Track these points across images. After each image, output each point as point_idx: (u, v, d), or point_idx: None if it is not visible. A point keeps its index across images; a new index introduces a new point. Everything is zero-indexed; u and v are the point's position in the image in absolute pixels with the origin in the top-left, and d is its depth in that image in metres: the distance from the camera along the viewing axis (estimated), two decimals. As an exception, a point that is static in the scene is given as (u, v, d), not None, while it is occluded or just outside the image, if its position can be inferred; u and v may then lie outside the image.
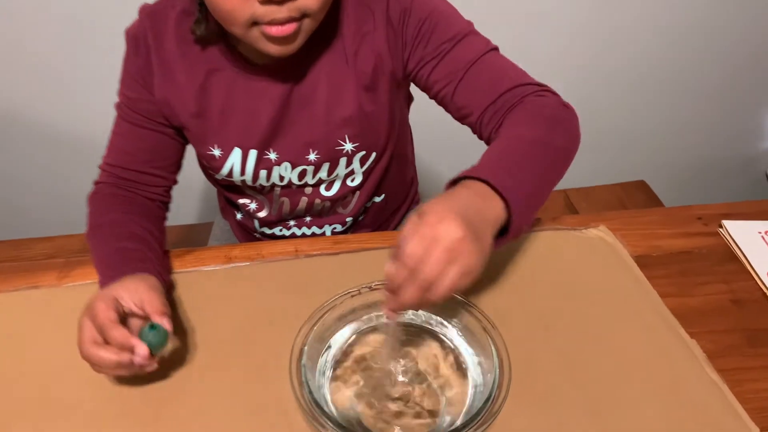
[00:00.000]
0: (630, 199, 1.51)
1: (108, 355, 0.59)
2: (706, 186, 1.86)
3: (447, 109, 0.80)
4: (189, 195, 1.61)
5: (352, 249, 0.83)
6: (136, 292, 0.64)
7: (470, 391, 0.61)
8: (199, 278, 0.78)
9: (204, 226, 1.43)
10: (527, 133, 0.68)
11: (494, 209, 0.58)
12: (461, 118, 0.79)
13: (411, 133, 1.01)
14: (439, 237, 0.50)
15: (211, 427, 0.61)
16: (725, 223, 0.85)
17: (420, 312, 0.68)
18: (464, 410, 0.59)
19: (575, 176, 1.61)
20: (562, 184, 1.57)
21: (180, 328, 0.71)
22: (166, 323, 0.61)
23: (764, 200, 0.91)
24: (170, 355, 0.68)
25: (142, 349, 0.58)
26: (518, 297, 0.75)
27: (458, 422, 0.56)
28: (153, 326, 0.60)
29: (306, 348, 0.60)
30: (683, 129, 1.76)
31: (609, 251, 0.82)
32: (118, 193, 0.82)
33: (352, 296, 0.66)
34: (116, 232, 0.75)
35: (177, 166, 0.88)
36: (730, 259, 0.81)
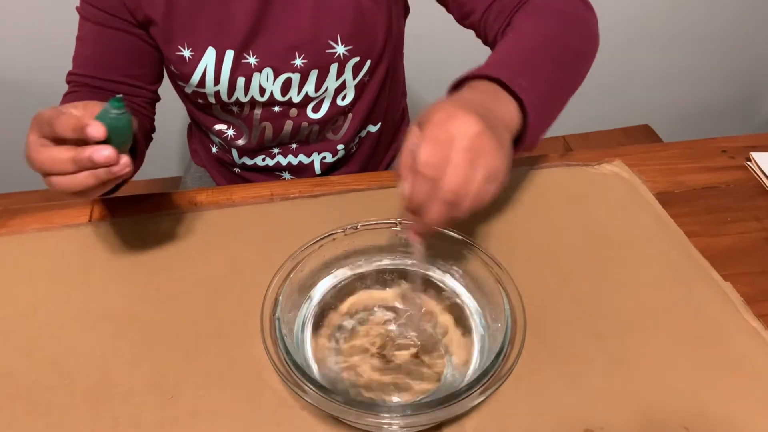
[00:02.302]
0: (633, 144, 1.41)
1: (60, 152, 0.47)
2: (712, 129, 1.77)
3: (448, 9, 0.70)
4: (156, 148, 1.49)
5: (335, 191, 0.73)
6: (87, 107, 0.49)
7: (476, 346, 0.52)
8: (159, 225, 0.68)
9: (174, 180, 1.32)
10: (540, 29, 0.58)
11: (508, 111, 0.49)
12: (463, 18, 0.70)
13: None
14: (454, 136, 0.41)
15: (174, 392, 0.51)
16: (754, 155, 0.76)
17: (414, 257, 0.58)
18: (471, 369, 0.50)
19: (575, 121, 1.51)
20: (560, 129, 1.47)
21: (134, 281, 0.61)
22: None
23: (796, 130, 0.82)
24: (125, 311, 0.58)
25: (96, 129, 0.44)
26: (526, 241, 0.65)
27: (465, 383, 0.47)
28: (117, 101, 0.46)
29: (281, 298, 0.50)
30: (687, 70, 1.67)
31: (626, 188, 0.73)
32: (93, 96, 0.71)
33: (335, 239, 0.56)
34: None
35: (155, 77, 0.77)
36: (761, 194, 0.73)
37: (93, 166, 0.46)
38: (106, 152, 0.45)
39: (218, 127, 0.83)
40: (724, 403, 0.51)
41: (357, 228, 0.56)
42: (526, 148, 0.52)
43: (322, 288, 0.56)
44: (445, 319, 0.54)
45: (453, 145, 0.41)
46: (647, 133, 1.44)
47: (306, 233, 0.57)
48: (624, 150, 0.79)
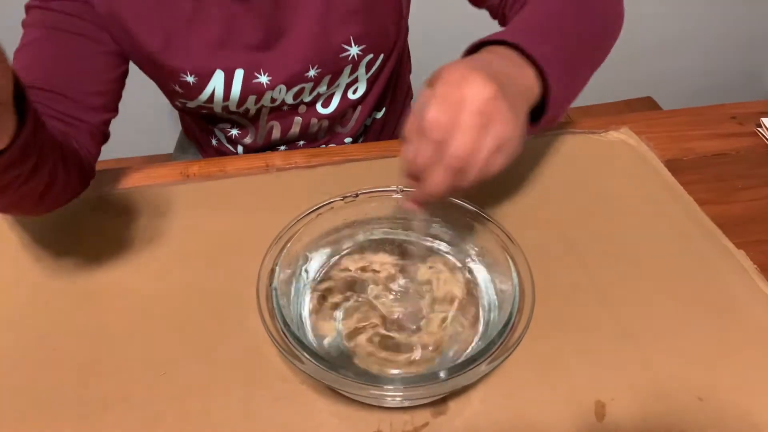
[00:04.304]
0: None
1: None
2: (717, 101, 1.75)
3: None
4: (145, 124, 1.44)
5: (333, 161, 0.70)
6: None
7: (483, 316, 0.50)
8: (150, 197, 0.65)
9: (165, 157, 1.28)
10: (563, 0, 0.54)
11: (527, 80, 0.44)
12: (480, 1, 0.64)
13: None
14: (466, 98, 0.37)
15: (166, 367, 0.49)
16: (764, 120, 0.74)
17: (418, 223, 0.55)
18: (476, 340, 0.48)
19: (576, 94, 1.48)
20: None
21: (125, 255, 0.59)
22: None
23: (807, 94, 0.80)
24: (115, 285, 0.56)
25: None
26: (533, 210, 0.63)
27: (468, 353, 0.45)
28: None
29: (278, 269, 0.47)
30: (691, 41, 1.63)
31: (634, 156, 0.70)
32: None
33: (333, 208, 0.53)
34: None
35: (111, 105, 0.63)
36: (773, 161, 0.70)
37: None
38: None
39: (222, 125, 0.78)
40: (739, 373, 0.49)
41: (357, 196, 0.54)
42: (547, 123, 0.48)
43: (320, 258, 0.53)
44: (451, 288, 0.52)
45: (464, 108, 0.37)
46: (650, 106, 1.41)
47: (303, 204, 0.54)
48: (630, 117, 0.76)
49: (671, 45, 1.64)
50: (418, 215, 0.45)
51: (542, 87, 0.45)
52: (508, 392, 0.47)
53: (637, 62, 1.63)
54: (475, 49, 0.47)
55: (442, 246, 0.55)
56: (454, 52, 0.49)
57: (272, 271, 0.47)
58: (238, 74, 0.66)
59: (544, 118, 0.47)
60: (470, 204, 0.53)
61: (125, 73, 0.65)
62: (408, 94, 0.93)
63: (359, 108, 0.78)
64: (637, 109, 1.39)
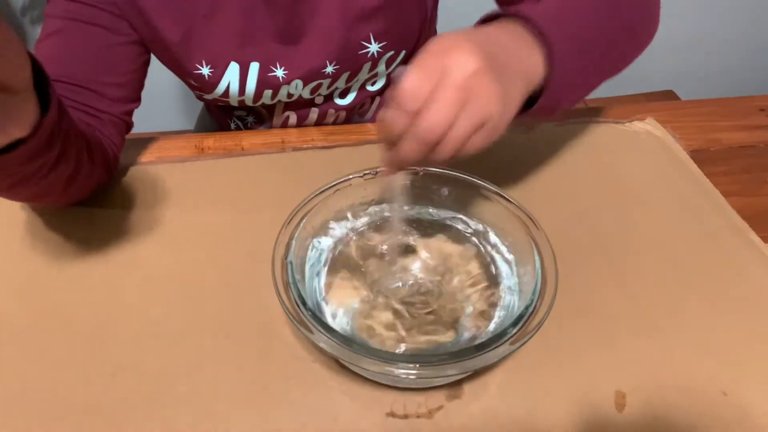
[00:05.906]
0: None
1: None
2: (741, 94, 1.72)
3: None
4: (162, 99, 1.44)
5: (350, 141, 0.69)
6: None
7: (502, 300, 0.48)
8: (163, 173, 0.64)
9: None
10: None
11: (531, 59, 0.41)
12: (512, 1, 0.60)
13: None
14: (448, 70, 0.35)
15: (178, 340, 0.48)
16: (795, 115, 0.72)
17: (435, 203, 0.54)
18: (494, 322, 0.47)
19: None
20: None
21: (138, 227, 0.58)
22: None
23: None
24: (128, 257, 0.55)
25: None
26: (556, 200, 0.61)
27: (489, 335, 0.44)
28: None
29: (294, 242, 0.46)
30: (713, 33, 1.60)
31: (659, 147, 0.69)
32: None
33: (351, 184, 0.52)
34: None
35: (133, 94, 0.62)
36: (802, 155, 0.68)
37: None
38: None
39: (238, 113, 0.78)
40: (764, 368, 0.47)
41: (376, 173, 0.52)
42: (544, 111, 0.44)
43: (336, 235, 0.52)
44: (471, 269, 0.51)
45: (444, 80, 0.35)
46: (671, 99, 1.39)
47: (321, 184, 0.52)
48: (656, 106, 0.75)
49: (694, 39, 1.61)
50: (396, 181, 0.44)
51: (548, 72, 0.42)
52: (525, 378, 0.46)
53: (659, 56, 1.60)
54: (489, 20, 0.44)
55: (463, 227, 0.54)
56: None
57: (288, 244, 0.46)
58: (254, 68, 0.64)
59: (537, 104, 0.43)
60: (495, 187, 0.52)
61: (147, 63, 0.63)
62: None
63: (378, 99, 0.76)
64: (658, 103, 1.37)
